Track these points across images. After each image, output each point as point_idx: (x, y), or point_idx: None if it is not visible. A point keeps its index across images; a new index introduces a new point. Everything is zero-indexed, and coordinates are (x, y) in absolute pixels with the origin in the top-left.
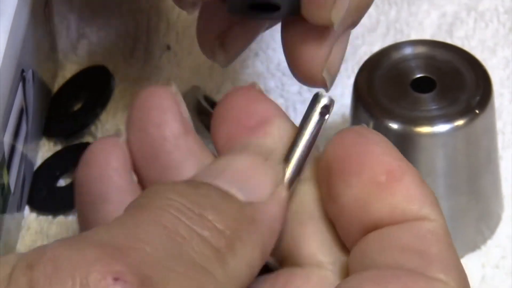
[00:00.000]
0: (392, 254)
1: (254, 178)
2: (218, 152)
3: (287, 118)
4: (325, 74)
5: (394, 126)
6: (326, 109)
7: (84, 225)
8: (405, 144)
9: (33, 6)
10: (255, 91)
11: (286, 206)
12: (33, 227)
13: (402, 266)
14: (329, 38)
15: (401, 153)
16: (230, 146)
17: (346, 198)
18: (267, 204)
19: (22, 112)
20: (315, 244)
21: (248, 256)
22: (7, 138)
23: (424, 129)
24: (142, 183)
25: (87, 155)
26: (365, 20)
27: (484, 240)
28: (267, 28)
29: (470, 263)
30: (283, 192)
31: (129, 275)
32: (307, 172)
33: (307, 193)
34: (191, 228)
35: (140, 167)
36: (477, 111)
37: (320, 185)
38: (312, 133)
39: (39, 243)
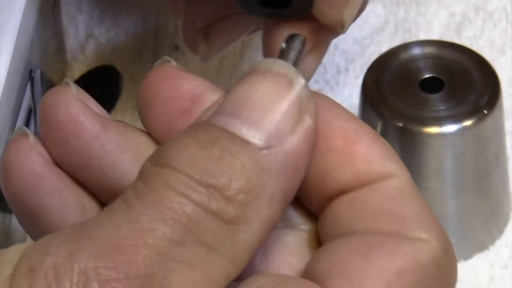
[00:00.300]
0: (366, 219)
1: (276, 111)
2: (157, 136)
3: (217, 89)
4: (345, 14)
5: (403, 126)
6: (301, 47)
7: (31, 233)
8: (413, 144)
9: (41, 6)
10: (173, 68)
11: (314, 135)
12: None
13: (380, 230)
14: None
15: (410, 153)
16: (171, 131)
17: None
18: (289, 139)
19: (30, 112)
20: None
21: (263, 215)
22: None
23: (433, 129)
24: (79, 182)
25: (5, 167)
26: (373, 20)
27: (492, 240)
28: (254, 31)
29: (479, 263)
30: (308, 120)
31: (128, 281)
32: None
33: None
34: (198, 205)
35: (74, 173)
36: (485, 111)
37: None
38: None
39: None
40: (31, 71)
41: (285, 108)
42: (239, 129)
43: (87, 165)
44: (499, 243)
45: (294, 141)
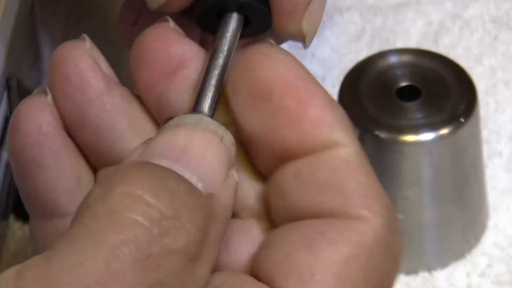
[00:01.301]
0: (311, 193)
1: (212, 163)
2: (141, 96)
3: (204, 56)
4: (304, 26)
5: (380, 134)
6: (235, 30)
7: (25, 194)
8: (391, 153)
9: (18, 14)
10: (170, 29)
11: (236, 190)
12: (18, 236)
13: (323, 207)
14: None
15: (387, 161)
16: (151, 93)
17: (254, 125)
18: (222, 192)
19: (7, 121)
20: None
21: (212, 256)
22: None
23: (410, 138)
24: (78, 145)
25: (16, 120)
26: (351, 29)
27: (469, 249)
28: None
29: (456, 271)
30: (235, 176)
31: None
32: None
33: None
34: (164, 244)
35: (72, 130)
36: (462, 120)
37: (229, 112)
38: (225, 59)
39: (24, 252)
40: (8, 79)
41: (218, 161)
42: (182, 173)
43: (86, 122)
44: (476, 251)
45: (225, 193)
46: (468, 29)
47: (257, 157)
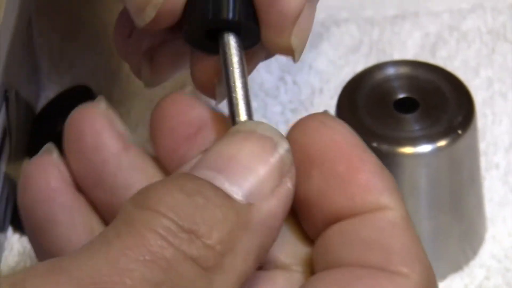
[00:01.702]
0: (354, 250)
1: (259, 172)
2: (162, 159)
3: (223, 119)
4: (293, 41)
5: (377, 146)
6: (239, 44)
7: (38, 249)
8: (388, 164)
9: (16, 27)
10: (187, 96)
11: (291, 198)
12: (16, 248)
13: (365, 262)
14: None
15: None
16: (174, 156)
17: (306, 189)
18: (269, 200)
19: (5, 132)
20: (277, 246)
21: (239, 267)
22: None
23: (407, 150)
24: (90, 201)
25: (24, 178)
26: (348, 41)
27: (467, 261)
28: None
29: (454, 284)
30: (288, 184)
31: None
32: None
33: None
34: (179, 250)
35: (86, 188)
36: (459, 132)
37: None
38: (241, 71)
39: (22, 264)
40: (6, 91)
41: (268, 170)
42: (223, 183)
43: (102, 181)
44: (473, 263)
45: (273, 202)
46: (465, 41)
47: (306, 220)
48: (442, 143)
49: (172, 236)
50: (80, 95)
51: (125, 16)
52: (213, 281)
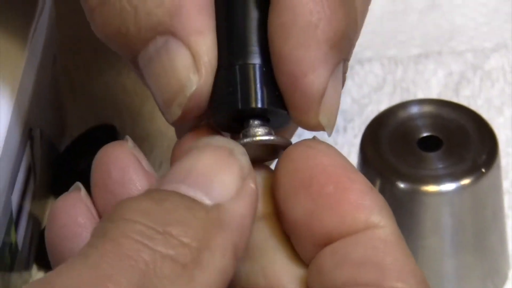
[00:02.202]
0: (347, 270)
1: (219, 176)
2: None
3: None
4: (322, 119)
5: (401, 184)
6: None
7: None
8: (412, 202)
9: (40, 65)
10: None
11: (256, 198)
12: None
13: (359, 281)
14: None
15: (408, 211)
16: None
17: (296, 212)
18: (235, 201)
19: (30, 171)
20: (273, 269)
21: (218, 263)
22: (15, 197)
23: (431, 188)
24: None
25: (52, 215)
26: (371, 79)
27: None
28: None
29: None
30: (250, 184)
31: None
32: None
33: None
34: (155, 251)
35: None
36: (483, 170)
37: (274, 203)
38: None
39: None
40: (30, 130)
41: (228, 173)
42: (187, 192)
43: None
44: None
45: (240, 202)
46: (489, 80)
47: (299, 243)
48: (465, 181)
49: (147, 239)
50: (104, 133)
51: None
52: (193, 277)
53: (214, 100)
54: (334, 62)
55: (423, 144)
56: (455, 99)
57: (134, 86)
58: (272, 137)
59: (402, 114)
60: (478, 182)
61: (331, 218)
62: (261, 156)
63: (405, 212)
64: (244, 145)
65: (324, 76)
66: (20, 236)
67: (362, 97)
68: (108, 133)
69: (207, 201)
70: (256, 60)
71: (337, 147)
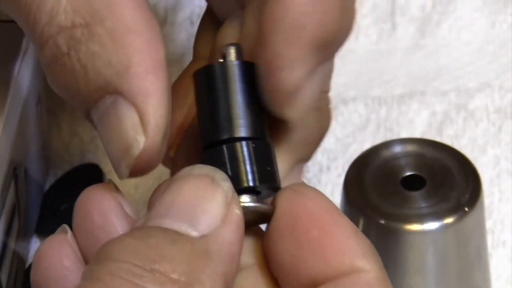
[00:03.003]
0: None
1: (203, 205)
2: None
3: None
4: (288, 112)
5: (385, 223)
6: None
7: None
8: (395, 241)
9: (25, 104)
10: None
11: (243, 223)
12: None
13: None
14: None
15: (392, 250)
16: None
17: (283, 257)
18: (222, 229)
19: (14, 209)
20: None
21: None
22: None
23: (414, 227)
24: None
25: (38, 255)
26: (355, 119)
27: None
28: None
29: None
30: (235, 210)
31: None
32: (248, 258)
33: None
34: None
35: None
36: (466, 209)
37: (262, 249)
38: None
39: None
40: (15, 168)
41: (211, 201)
42: (171, 225)
43: None
44: None
45: (226, 230)
46: (473, 120)
47: (286, 286)
48: (449, 220)
49: (136, 277)
50: (88, 173)
51: None
52: None
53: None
54: (314, 63)
55: (407, 183)
56: (438, 139)
57: None
58: (258, 204)
59: (386, 153)
60: (461, 221)
61: (316, 262)
62: (252, 221)
63: (389, 251)
64: None
65: (300, 74)
66: (4, 274)
67: (346, 136)
68: (92, 173)
69: (193, 232)
70: (242, 134)
71: (320, 186)
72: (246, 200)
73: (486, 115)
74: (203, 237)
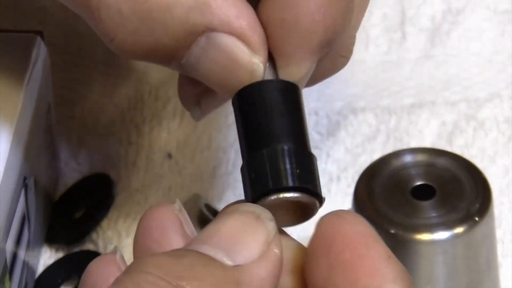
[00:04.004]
0: None
1: (243, 239)
2: None
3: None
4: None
5: (394, 233)
6: None
7: None
8: (405, 251)
9: (35, 114)
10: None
11: (280, 263)
12: None
13: None
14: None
15: (402, 260)
16: None
17: (315, 278)
18: (257, 264)
19: (24, 219)
20: None
21: None
22: (9, 245)
23: (424, 236)
24: None
25: (85, 275)
26: (365, 129)
27: None
28: None
29: None
30: (275, 249)
31: None
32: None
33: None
34: None
35: None
36: (476, 219)
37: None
38: None
39: None
40: (25, 178)
41: (252, 236)
42: (209, 251)
43: None
44: None
45: (261, 265)
46: (482, 130)
47: None
48: (459, 230)
49: None
50: (98, 183)
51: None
52: None
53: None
54: (318, 58)
55: (417, 193)
56: (448, 149)
57: (128, 136)
58: (297, 194)
59: (396, 163)
60: (471, 231)
61: (345, 284)
62: (287, 220)
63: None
64: (272, 203)
65: (306, 69)
66: (15, 284)
67: (356, 146)
68: (102, 183)
69: (227, 261)
70: (284, 141)
71: (330, 196)
72: (287, 194)
73: (495, 125)
74: (236, 267)
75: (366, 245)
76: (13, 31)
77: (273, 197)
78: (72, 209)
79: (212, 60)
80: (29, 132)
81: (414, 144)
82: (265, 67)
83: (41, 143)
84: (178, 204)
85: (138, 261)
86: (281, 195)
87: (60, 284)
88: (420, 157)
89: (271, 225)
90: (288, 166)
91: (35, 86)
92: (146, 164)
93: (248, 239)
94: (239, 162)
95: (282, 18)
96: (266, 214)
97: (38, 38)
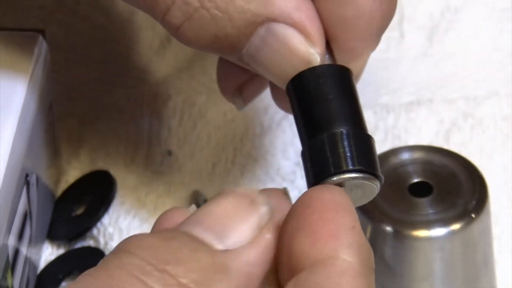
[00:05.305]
0: None
1: (235, 222)
2: None
3: None
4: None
5: (392, 229)
6: None
7: None
8: (402, 247)
9: (37, 112)
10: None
11: (271, 248)
12: None
13: None
14: None
15: (399, 256)
16: None
17: (284, 235)
18: (247, 249)
19: (26, 216)
20: None
21: None
22: (11, 241)
23: (421, 233)
24: None
25: (158, 222)
26: None
27: None
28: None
29: None
30: (266, 235)
31: None
32: None
33: None
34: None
35: None
36: (473, 216)
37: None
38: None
39: None
40: (27, 175)
41: (244, 221)
42: (200, 233)
43: None
44: None
45: (251, 250)
46: (480, 128)
47: (279, 269)
48: (456, 226)
49: (144, 274)
50: (99, 180)
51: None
52: None
53: (308, 168)
54: (376, 46)
55: (414, 190)
56: (446, 146)
57: (128, 134)
58: (358, 174)
59: (394, 160)
60: (468, 228)
61: (306, 242)
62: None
63: (396, 257)
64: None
65: (366, 60)
66: (17, 280)
67: None
68: (103, 180)
69: (217, 245)
70: (342, 124)
71: None
72: (349, 176)
73: (493, 123)
74: (225, 251)
75: (336, 212)
76: (16, 30)
77: (335, 178)
78: (73, 206)
79: (271, 50)
80: (31, 129)
81: (412, 141)
82: (322, 59)
83: (43, 141)
84: (193, 209)
85: (127, 241)
86: (342, 176)
87: (62, 280)
88: (418, 155)
89: (264, 209)
90: (347, 149)
91: (37, 84)
92: (146, 161)
93: (240, 223)
94: (239, 159)
95: (342, 15)
96: (261, 198)
97: (40, 37)
